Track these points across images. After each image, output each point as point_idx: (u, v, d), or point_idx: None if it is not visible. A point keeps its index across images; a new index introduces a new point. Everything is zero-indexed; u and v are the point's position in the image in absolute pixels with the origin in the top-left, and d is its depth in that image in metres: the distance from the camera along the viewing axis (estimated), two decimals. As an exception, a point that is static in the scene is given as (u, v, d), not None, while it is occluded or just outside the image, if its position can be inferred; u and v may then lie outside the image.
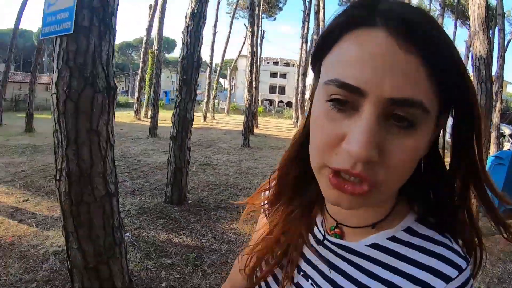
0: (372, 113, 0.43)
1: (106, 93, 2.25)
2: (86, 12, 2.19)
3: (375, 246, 0.55)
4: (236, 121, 25.27)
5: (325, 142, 0.46)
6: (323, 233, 0.62)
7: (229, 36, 27.22)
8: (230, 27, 27.26)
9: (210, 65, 27.34)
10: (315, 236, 0.64)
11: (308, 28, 25.47)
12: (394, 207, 0.55)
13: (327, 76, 0.47)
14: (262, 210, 0.75)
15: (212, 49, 25.92)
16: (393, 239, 0.54)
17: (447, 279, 0.48)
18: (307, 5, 25.08)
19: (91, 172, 2.29)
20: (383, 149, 0.43)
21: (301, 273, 0.63)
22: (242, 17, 32.94)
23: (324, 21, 20.25)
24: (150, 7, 22.06)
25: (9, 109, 22.76)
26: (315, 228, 0.65)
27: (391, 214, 0.55)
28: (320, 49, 0.51)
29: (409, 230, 0.54)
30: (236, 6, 27.66)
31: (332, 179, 0.46)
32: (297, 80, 26.57)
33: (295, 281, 0.63)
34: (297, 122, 24.76)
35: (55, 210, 5.24)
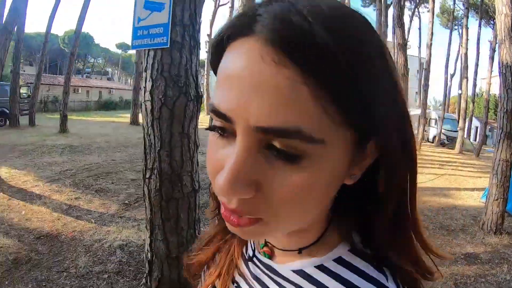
0: (241, 145, 0.36)
1: (196, 101, 2.52)
2: (179, 28, 2.46)
3: (301, 273, 0.49)
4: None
5: (211, 169, 0.41)
6: (253, 249, 0.58)
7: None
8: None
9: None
10: (247, 251, 0.59)
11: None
12: (323, 233, 0.49)
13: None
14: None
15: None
16: (321, 268, 0.47)
17: None
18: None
19: (181, 171, 2.57)
20: (261, 185, 0.37)
21: (235, 285, 0.59)
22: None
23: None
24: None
25: (38, 110, 23.44)
26: (248, 243, 0.60)
27: (320, 241, 0.49)
28: (212, 64, 0.45)
29: (340, 261, 0.47)
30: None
31: (221, 209, 0.41)
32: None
33: None
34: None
35: (109, 207, 5.57)
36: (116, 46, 65.57)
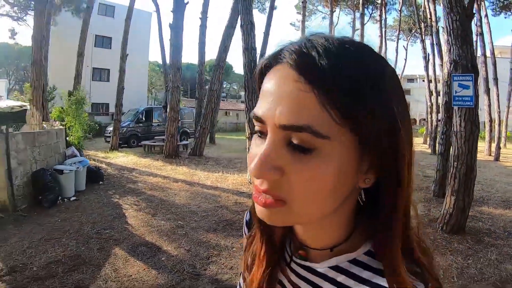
0: (269, 139, 0.47)
1: (477, 129, 5.23)
2: (475, 97, 5.20)
3: (336, 268, 0.55)
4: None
5: (249, 162, 0.50)
6: (290, 254, 0.63)
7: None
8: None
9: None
10: (284, 258, 0.65)
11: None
12: (352, 232, 0.56)
13: None
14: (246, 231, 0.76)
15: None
16: (354, 261, 0.54)
17: None
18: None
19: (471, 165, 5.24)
20: (285, 171, 0.46)
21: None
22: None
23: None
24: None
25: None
26: (285, 251, 0.65)
27: (351, 238, 0.55)
28: (258, 85, 0.55)
29: (369, 254, 0.54)
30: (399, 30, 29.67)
31: (253, 194, 0.51)
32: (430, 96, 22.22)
33: None
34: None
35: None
36: (252, 73, 70.01)
